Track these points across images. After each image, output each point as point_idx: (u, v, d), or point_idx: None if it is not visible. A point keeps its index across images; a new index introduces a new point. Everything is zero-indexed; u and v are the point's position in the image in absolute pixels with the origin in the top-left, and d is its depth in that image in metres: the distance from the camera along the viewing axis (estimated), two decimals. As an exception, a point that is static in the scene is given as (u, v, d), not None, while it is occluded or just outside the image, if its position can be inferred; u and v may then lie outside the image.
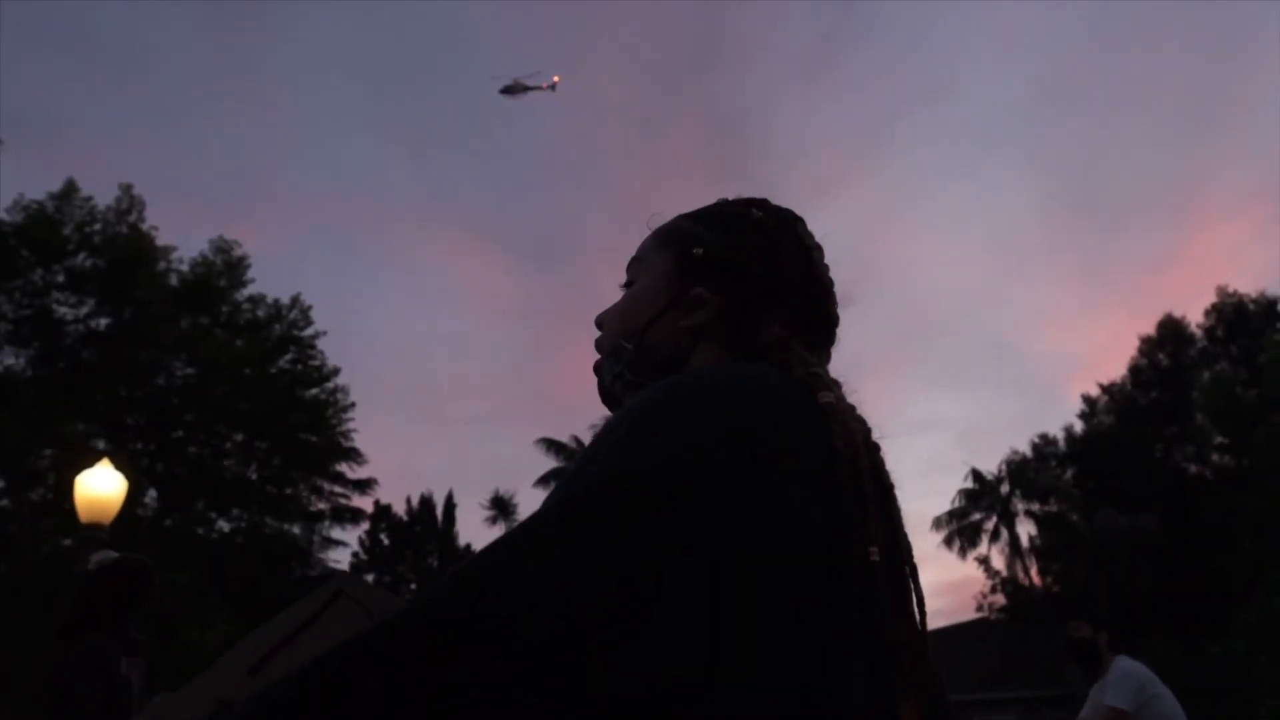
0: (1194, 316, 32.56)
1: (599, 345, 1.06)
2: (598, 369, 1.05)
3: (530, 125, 64.55)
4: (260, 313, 24.45)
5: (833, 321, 1.02)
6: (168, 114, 50.16)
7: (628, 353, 1.00)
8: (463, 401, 61.96)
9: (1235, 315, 31.04)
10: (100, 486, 7.26)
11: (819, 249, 1.04)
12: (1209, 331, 31.67)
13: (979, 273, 59.11)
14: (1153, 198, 56.63)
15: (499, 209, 63.50)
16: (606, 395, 1.04)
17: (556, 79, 39.29)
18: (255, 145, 54.11)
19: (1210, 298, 43.32)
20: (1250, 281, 50.94)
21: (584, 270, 56.97)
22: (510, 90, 38.77)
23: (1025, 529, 29.39)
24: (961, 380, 58.65)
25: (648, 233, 1.08)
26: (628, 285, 1.07)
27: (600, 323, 1.07)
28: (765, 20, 64.64)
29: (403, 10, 65.54)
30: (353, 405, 25.32)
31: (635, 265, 1.07)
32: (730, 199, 1.07)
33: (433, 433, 60.85)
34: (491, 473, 60.93)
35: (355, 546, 36.75)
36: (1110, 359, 55.59)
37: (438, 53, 65.80)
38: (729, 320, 0.97)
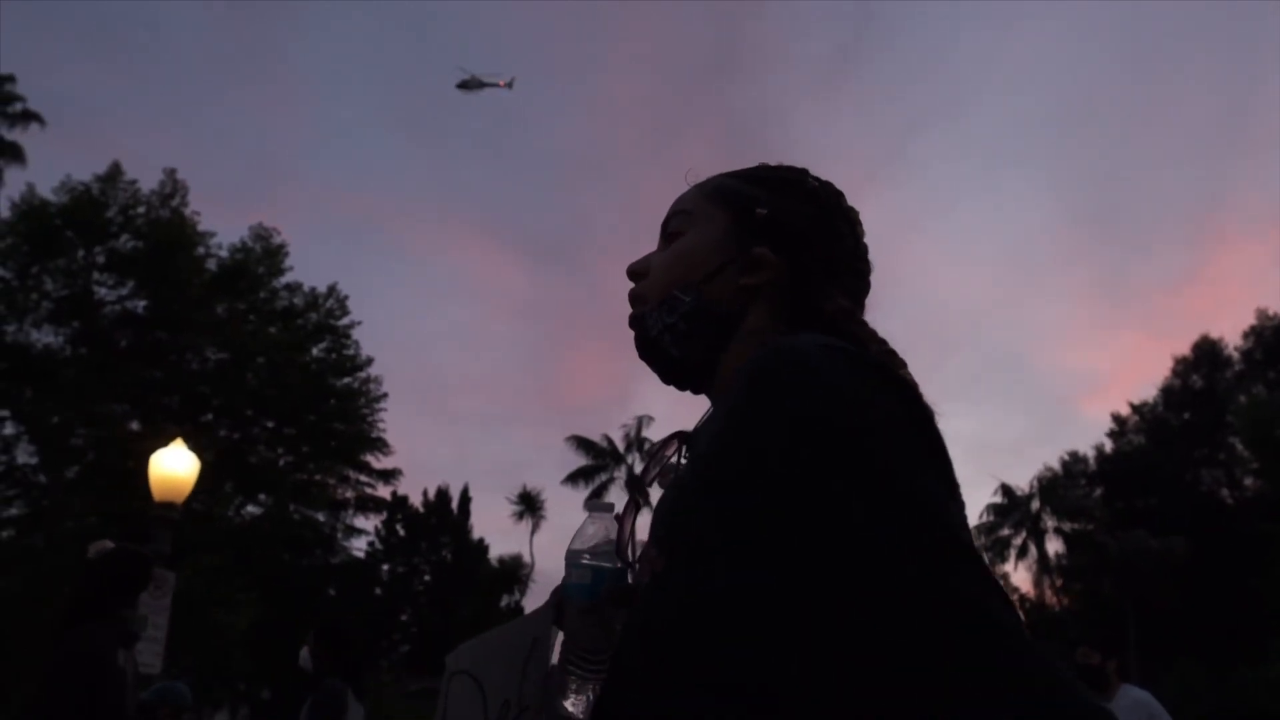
0: (1214, 336, 32.18)
1: (639, 295, 1.02)
2: (639, 320, 1.01)
3: (547, 126, 64.78)
4: (297, 300, 24.56)
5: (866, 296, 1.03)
6: (193, 105, 50.72)
7: (684, 304, 0.97)
8: (472, 396, 62.28)
9: (1275, 338, 30.62)
10: (174, 466, 7.30)
11: (862, 225, 1.04)
12: (1246, 354, 31.29)
13: (993, 287, 58.89)
14: (1172, 217, 56.31)
15: (515, 208, 63.87)
16: (651, 345, 1.00)
17: (513, 78, 39.77)
18: (275, 137, 54.67)
19: (1230, 318, 43.00)
20: (1272, 303, 50.39)
21: (597, 271, 57.20)
22: (466, 85, 39.25)
23: (1053, 546, 29.20)
24: (972, 394, 58.21)
25: (687, 186, 1.05)
26: (669, 237, 1.03)
27: (639, 272, 1.03)
28: (785, 31, 64.73)
29: (425, 10, 65.87)
30: (384, 396, 25.42)
31: (681, 218, 1.03)
32: (771, 164, 1.05)
33: (442, 425, 61.14)
34: (498, 467, 61.12)
35: (371, 535, 36.84)
36: (1125, 377, 55.13)
37: (458, 52, 66.06)
38: (786, 285, 0.96)
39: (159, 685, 5.26)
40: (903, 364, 0.88)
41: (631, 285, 1.04)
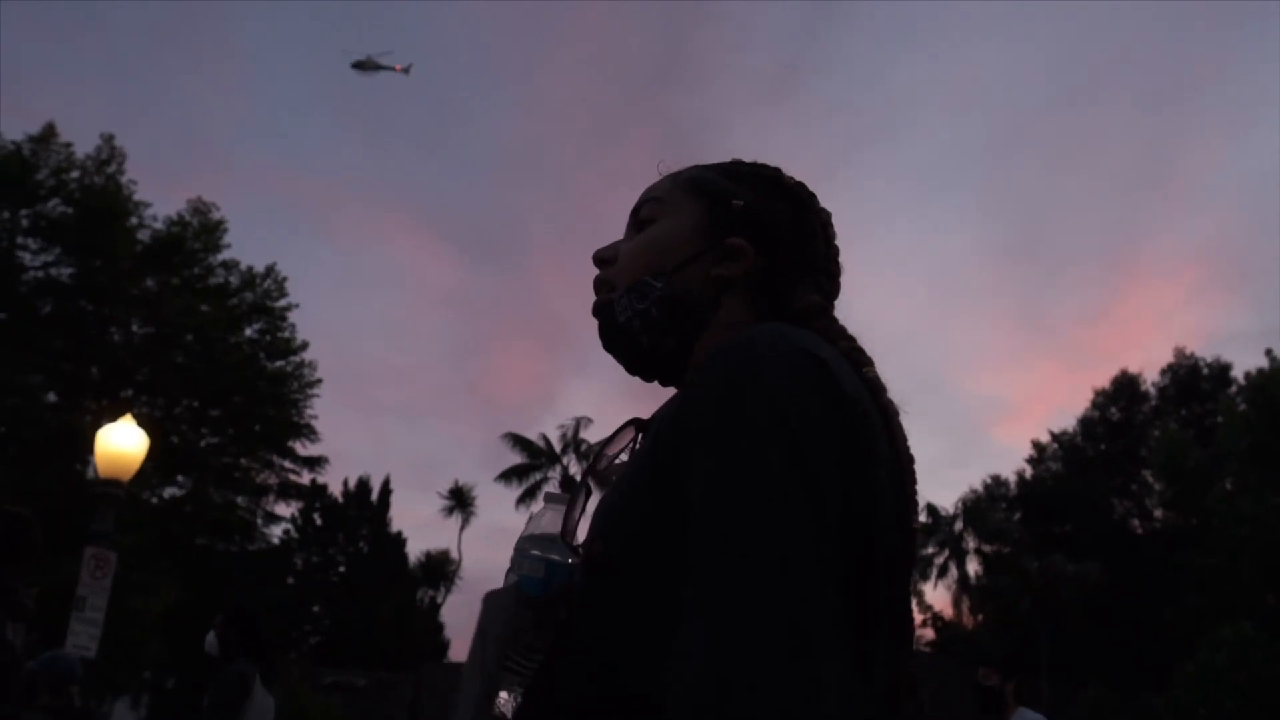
0: (1128, 371, 33.49)
1: (607, 281, 0.99)
2: (605, 307, 0.98)
3: (488, 121, 64.36)
4: (233, 279, 23.80)
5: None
6: (131, 75, 49.12)
7: (656, 290, 0.94)
8: (396, 387, 61.45)
9: (1189, 377, 31.98)
10: (122, 442, 6.97)
11: (834, 228, 1.04)
12: (1162, 391, 32.59)
13: (915, 311, 60.12)
14: (1092, 252, 58.38)
15: (451, 202, 63.43)
16: (619, 333, 0.97)
17: (410, 64, 40.03)
18: (204, 112, 53.28)
19: (1140, 353, 44.90)
20: (1179, 340, 52.75)
21: (528, 270, 56.92)
22: (362, 65, 39.28)
23: (972, 567, 30.03)
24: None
25: (659, 177, 1.03)
26: (641, 223, 1.00)
27: (607, 259, 1.00)
28: (731, 44, 65.53)
29: (372, 4, 64.73)
30: (319, 381, 24.76)
31: (653, 205, 1.00)
32: (746, 161, 1.04)
33: (363, 415, 60.24)
34: (419, 461, 60.28)
35: (288, 523, 35.81)
36: (1038, 406, 56.93)
37: (402, 44, 65.08)
38: (759, 279, 0.95)
39: (45, 655, 4.84)
40: (869, 362, 0.88)
41: (597, 272, 1.00)
